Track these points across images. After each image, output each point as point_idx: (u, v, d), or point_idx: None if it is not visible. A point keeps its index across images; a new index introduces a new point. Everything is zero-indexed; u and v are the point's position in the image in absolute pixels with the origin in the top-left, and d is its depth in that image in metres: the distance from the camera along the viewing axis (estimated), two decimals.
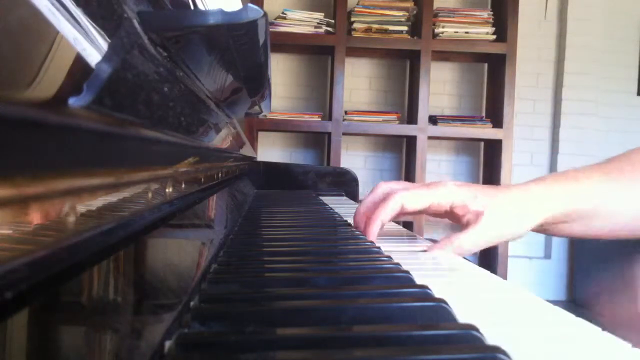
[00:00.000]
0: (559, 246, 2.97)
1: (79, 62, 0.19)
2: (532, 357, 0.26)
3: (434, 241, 0.60)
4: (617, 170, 0.62)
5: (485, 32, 2.68)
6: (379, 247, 0.49)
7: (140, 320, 0.24)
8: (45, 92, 0.15)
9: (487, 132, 2.71)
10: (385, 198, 0.60)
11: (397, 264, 0.41)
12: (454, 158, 3.00)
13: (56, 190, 0.16)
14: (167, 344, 0.24)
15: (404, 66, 2.96)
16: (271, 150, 2.91)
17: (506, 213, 0.57)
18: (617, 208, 0.61)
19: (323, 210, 0.90)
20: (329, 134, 2.65)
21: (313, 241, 0.56)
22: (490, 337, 0.25)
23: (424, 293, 0.33)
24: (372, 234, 0.59)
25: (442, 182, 0.60)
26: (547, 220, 0.59)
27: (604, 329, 0.30)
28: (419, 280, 0.36)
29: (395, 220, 0.64)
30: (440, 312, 0.29)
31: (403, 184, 0.63)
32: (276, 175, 1.50)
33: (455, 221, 0.60)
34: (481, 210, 0.57)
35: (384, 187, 0.64)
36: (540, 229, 0.62)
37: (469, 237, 0.57)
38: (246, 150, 1.06)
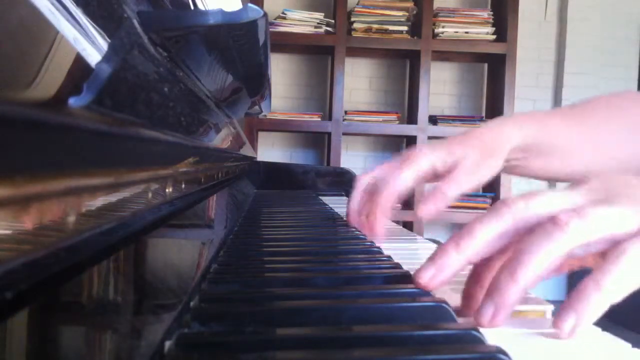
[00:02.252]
0: None
1: (79, 62, 0.19)
2: (531, 356, 0.26)
3: (435, 241, 0.58)
4: (579, 116, 0.62)
5: (485, 32, 2.68)
6: (379, 247, 0.49)
7: (140, 320, 0.24)
8: (45, 92, 0.15)
9: None
10: (375, 191, 0.58)
11: (397, 263, 0.41)
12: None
13: (56, 190, 0.16)
14: (167, 344, 0.24)
15: (404, 66, 2.96)
16: (271, 150, 2.91)
17: (481, 151, 0.57)
18: (574, 150, 0.61)
19: (323, 210, 0.90)
20: (329, 134, 2.65)
21: (313, 241, 0.56)
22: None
23: (424, 293, 0.32)
24: (373, 229, 0.57)
25: (415, 153, 0.57)
26: (510, 155, 0.59)
27: (604, 329, 0.30)
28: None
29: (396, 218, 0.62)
30: (440, 312, 0.29)
31: (386, 168, 0.60)
32: (276, 175, 1.50)
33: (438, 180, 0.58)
34: (460, 158, 0.56)
35: (365, 178, 0.62)
36: (507, 168, 0.61)
37: (456, 179, 0.55)
38: (246, 150, 1.06)
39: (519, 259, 0.29)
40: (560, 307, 0.29)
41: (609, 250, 0.29)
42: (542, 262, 0.29)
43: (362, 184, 0.62)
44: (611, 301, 0.28)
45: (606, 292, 0.28)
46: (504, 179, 2.66)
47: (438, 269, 0.32)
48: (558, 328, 0.28)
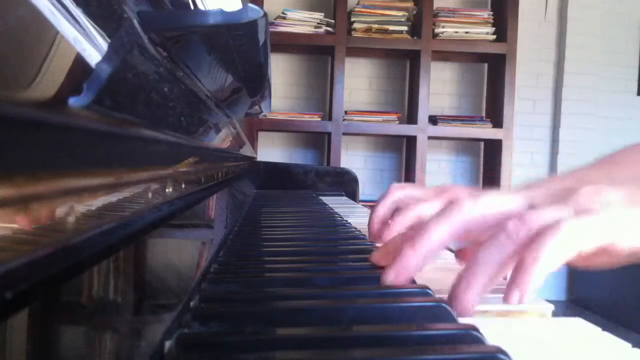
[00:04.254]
0: None
1: (79, 62, 0.19)
2: (531, 356, 0.26)
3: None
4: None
5: (485, 32, 2.69)
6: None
7: (140, 320, 0.24)
8: (45, 92, 0.15)
9: (487, 132, 2.71)
10: (402, 206, 0.51)
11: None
12: (454, 158, 2.99)
13: (56, 190, 0.16)
14: (167, 344, 0.24)
15: (404, 66, 2.96)
16: (271, 150, 2.91)
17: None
18: None
19: (323, 210, 0.90)
20: (329, 134, 2.65)
21: (313, 241, 0.56)
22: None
23: (424, 293, 0.32)
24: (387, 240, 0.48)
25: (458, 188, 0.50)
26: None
27: (604, 329, 0.30)
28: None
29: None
30: (440, 312, 0.29)
31: (420, 190, 0.55)
32: (276, 175, 1.50)
33: None
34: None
35: (399, 192, 0.55)
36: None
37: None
38: (246, 150, 1.06)
39: (420, 233, 0.35)
40: (507, 285, 0.33)
41: (543, 230, 0.33)
42: (492, 268, 0.33)
43: (395, 197, 0.56)
44: (547, 272, 0.32)
45: (542, 265, 0.32)
46: (504, 179, 2.66)
47: (400, 271, 0.36)
48: (508, 303, 0.32)
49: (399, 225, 0.50)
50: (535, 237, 0.32)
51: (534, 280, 0.32)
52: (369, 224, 0.57)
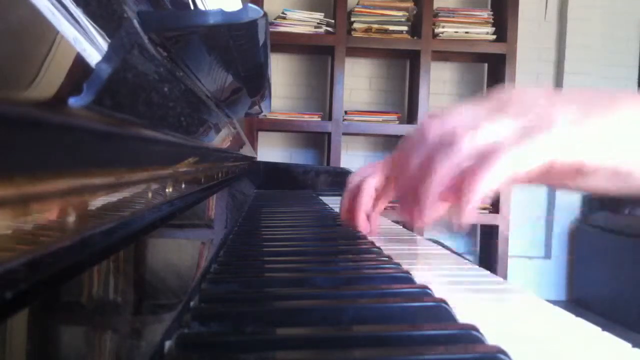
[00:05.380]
0: (559, 246, 2.97)
1: (79, 62, 0.19)
2: (531, 357, 0.26)
3: (435, 242, 0.58)
4: None
5: (485, 32, 2.69)
6: (379, 247, 0.49)
7: (140, 320, 0.24)
8: (45, 92, 0.15)
9: None
10: (357, 189, 0.58)
11: (397, 263, 0.41)
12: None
13: (56, 190, 0.16)
14: (167, 343, 0.24)
15: (404, 66, 2.96)
16: (271, 150, 2.91)
17: None
18: None
19: (323, 210, 0.90)
20: (329, 134, 2.65)
21: (313, 241, 0.56)
22: (493, 339, 0.25)
23: (424, 293, 0.33)
24: (360, 227, 0.59)
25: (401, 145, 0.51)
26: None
27: (604, 329, 0.30)
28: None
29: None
30: (440, 312, 0.29)
31: (370, 167, 0.59)
32: (276, 175, 1.50)
33: None
34: None
35: (355, 177, 0.60)
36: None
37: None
38: (246, 150, 1.06)
39: (429, 176, 0.38)
40: (451, 206, 0.38)
41: (488, 152, 0.36)
42: (445, 174, 0.38)
43: (354, 185, 0.61)
44: (490, 190, 0.36)
45: (486, 183, 0.36)
46: None
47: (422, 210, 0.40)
48: (451, 220, 0.37)
49: (357, 207, 0.58)
50: (483, 158, 0.36)
51: (476, 199, 0.36)
52: (342, 218, 0.63)
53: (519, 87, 0.41)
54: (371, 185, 0.57)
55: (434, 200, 0.38)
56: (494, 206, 2.65)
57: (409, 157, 0.40)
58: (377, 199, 0.58)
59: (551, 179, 0.38)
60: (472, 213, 0.36)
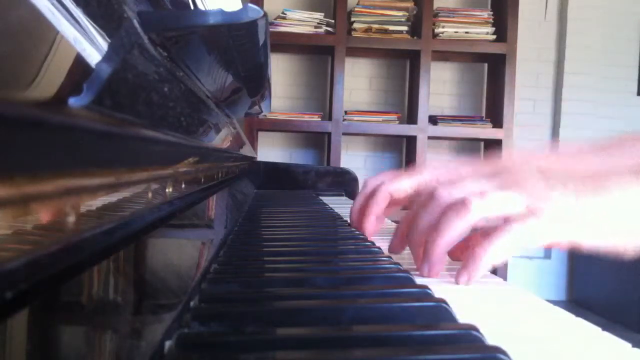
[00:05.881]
0: None
1: (79, 62, 0.19)
2: (531, 357, 0.26)
3: None
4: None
5: (485, 32, 2.69)
6: (379, 247, 0.49)
7: (140, 320, 0.24)
8: (45, 92, 0.15)
9: (487, 132, 2.71)
10: (373, 192, 0.59)
11: (397, 263, 0.41)
12: (454, 158, 2.99)
13: (56, 190, 0.16)
14: (167, 344, 0.24)
15: (404, 66, 2.96)
16: (271, 150, 2.91)
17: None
18: None
19: (323, 210, 0.90)
20: (329, 134, 2.65)
21: (313, 241, 0.56)
22: (494, 339, 0.25)
23: (424, 293, 0.32)
24: (366, 228, 0.59)
25: (426, 166, 0.57)
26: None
27: (604, 329, 0.30)
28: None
29: (393, 215, 0.63)
30: (440, 312, 0.29)
31: (390, 174, 0.60)
32: (276, 175, 1.50)
33: None
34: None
35: (372, 181, 0.62)
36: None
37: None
38: (246, 150, 1.06)
39: (439, 231, 0.42)
40: (459, 270, 0.41)
41: (498, 227, 0.40)
42: (453, 233, 0.42)
43: (369, 188, 0.61)
44: (493, 263, 0.40)
45: (489, 256, 0.40)
46: None
47: (431, 266, 0.43)
48: (457, 282, 0.41)
49: (370, 210, 0.58)
50: (495, 232, 0.40)
51: (480, 268, 0.40)
52: (350, 217, 0.63)
53: (517, 156, 0.47)
54: (388, 190, 0.57)
55: (441, 257, 0.43)
56: None
57: (420, 215, 0.45)
58: (389, 205, 0.59)
59: (551, 247, 0.43)
60: (476, 277, 0.41)
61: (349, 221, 0.68)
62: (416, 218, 0.45)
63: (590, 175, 0.42)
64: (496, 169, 0.46)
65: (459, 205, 0.41)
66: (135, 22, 0.31)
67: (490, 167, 0.47)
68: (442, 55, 2.78)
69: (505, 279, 0.48)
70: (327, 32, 2.63)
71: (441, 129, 2.71)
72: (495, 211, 0.41)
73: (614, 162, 0.44)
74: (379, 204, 0.58)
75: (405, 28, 2.66)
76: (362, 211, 0.61)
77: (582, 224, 0.40)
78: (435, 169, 0.56)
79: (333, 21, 2.63)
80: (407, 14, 2.68)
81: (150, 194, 0.28)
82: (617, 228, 0.40)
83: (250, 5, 0.44)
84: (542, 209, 0.40)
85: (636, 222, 0.40)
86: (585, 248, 0.41)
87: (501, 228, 0.40)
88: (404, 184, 0.57)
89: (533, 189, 0.41)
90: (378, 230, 0.62)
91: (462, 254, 0.50)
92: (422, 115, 2.66)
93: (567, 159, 0.47)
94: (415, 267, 0.45)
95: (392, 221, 0.85)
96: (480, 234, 0.46)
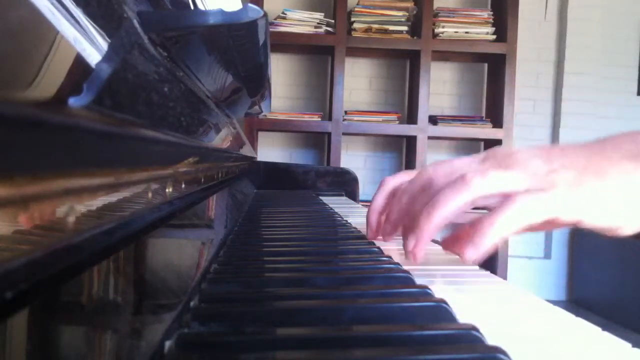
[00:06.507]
0: (559, 246, 2.97)
1: (79, 62, 0.19)
2: (531, 357, 0.26)
3: (435, 241, 0.56)
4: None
5: (485, 32, 2.69)
6: (379, 247, 0.49)
7: (140, 320, 0.24)
8: (45, 92, 0.15)
9: (487, 132, 2.71)
10: (394, 192, 0.55)
11: (397, 263, 0.41)
12: (454, 158, 2.99)
13: (56, 190, 0.16)
14: (167, 344, 0.24)
15: (404, 66, 2.96)
16: (271, 150, 2.91)
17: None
18: None
19: (323, 210, 0.90)
20: (329, 134, 2.65)
21: (313, 241, 0.56)
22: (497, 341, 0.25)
23: (424, 293, 0.32)
24: (388, 229, 0.54)
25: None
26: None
27: (604, 329, 0.30)
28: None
29: None
30: (440, 312, 0.29)
31: (410, 173, 0.57)
32: (276, 175, 1.50)
33: None
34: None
35: (392, 181, 0.58)
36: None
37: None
38: (246, 150, 1.06)
39: (434, 204, 0.41)
40: (464, 243, 0.39)
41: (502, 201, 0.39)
42: (450, 206, 0.40)
43: (389, 186, 0.58)
44: (500, 236, 0.38)
45: (496, 228, 0.38)
46: None
47: (418, 239, 0.42)
48: (463, 258, 0.39)
49: (396, 210, 0.53)
50: (501, 203, 0.39)
51: (487, 241, 0.39)
52: (367, 216, 0.58)
53: (518, 148, 0.46)
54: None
55: (432, 232, 0.41)
56: None
57: (415, 188, 0.44)
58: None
59: (549, 228, 0.42)
60: (484, 251, 0.39)
61: (352, 222, 0.68)
62: (407, 191, 0.44)
63: (589, 159, 0.42)
64: (495, 154, 0.45)
65: (458, 180, 0.41)
66: (135, 22, 0.31)
67: (490, 154, 0.47)
68: (442, 55, 2.78)
69: (505, 279, 0.47)
70: (327, 32, 2.63)
71: (441, 129, 2.71)
72: (495, 189, 0.40)
73: (612, 149, 0.44)
74: (402, 206, 0.52)
75: (405, 28, 2.66)
76: (383, 211, 0.57)
77: (584, 202, 0.40)
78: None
79: (333, 21, 2.63)
80: (407, 14, 2.68)
81: (150, 194, 0.28)
82: (616, 209, 0.40)
83: (250, 5, 0.44)
84: (546, 186, 0.40)
85: (634, 204, 0.41)
86: (584, 226, 0.41)
87: (507, 200, 0.39)
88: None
89: (535, 169, 0.41)
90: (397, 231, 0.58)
91: (455, 244, 0.46)
92: (422, 115, 2.66)
93: (565, 149, 0.47)
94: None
95: None
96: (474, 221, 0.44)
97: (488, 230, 0.39)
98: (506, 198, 0.40)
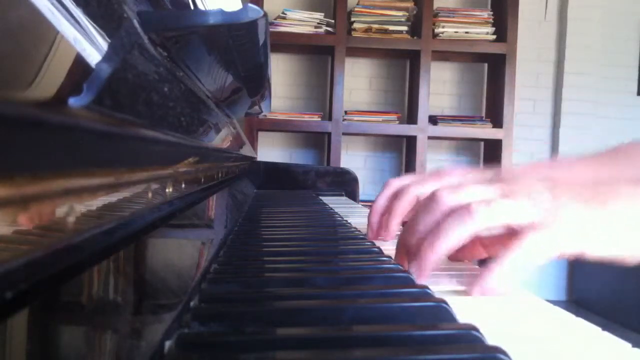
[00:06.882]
0: None
1: (79, 62, 0.19)
2: (531, 357, 0.26)
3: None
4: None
5: (485, 32, 2.69)
6: (379, 248, 0.49)
7: (140, 320, 0.24)
8: (45, 92, 0.15)
9: (487, 132, 2.71)
10: (398, 193, 0.56)
11: (398, 264, 0.41)
12: (454, 158, 3.00)
13: (56, 190, 0.16)
14: (167, 344, 0.24)
15: (404, 66, 2.96)
16: (271, 150, 2.91)
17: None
18: None
19: (323, 210, 0.90)
20: (329, 134, 2.65)
21: (313, 241, 0.56)
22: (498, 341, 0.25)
23: (424, 293, 0.32)
24: (390, 230, 0.57)
25: (450, 170, 0.53)
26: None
27: (604, 329, 0.30)
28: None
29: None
30: (440, 312, 0.29)
31: (415, 176, 0.59)
32: (276, 175, 1.50)
33: None
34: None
35: (396, 182, 0.59)
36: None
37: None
38: (246, 150, 1.06)
39: (438, 235, 0.40)
40: (475, 283, 0.39)
41: (509, 241, 0.39)
42: (454, 239, 0.40)
43: (393, 188, 0.59)
44: (510, 280, 0.38)
45: (506, 271, 0.38)
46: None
47: (422, 270, 0.41)
48: (470, 294, 0.39)
49: (398, 211, 0.55)
50: (510, 245, 0.39)
51: (496, 285, 0.38)
52: (368, 216, 0.60)
53: (521, 168, 0.46)
54: (415, 192, 0.55)
55: (435, 262, 0.41)
56: None
57: (421, 217, 0.43)
58: (414, 209, 0.56)
59: (552, 259, 0.41)
60: (497, 284, 0.39)
61: (352, 223, 0.67)
62: (415, 219, 0.44)
63: (595, 185, 0.42)
64: (502, 177, 0.45)
65: (463, 210, 0.40)
66: (135, 22, 0.31)
67: (497, 176, 0.46)
68: (442, 55, 2.78)
69: None
70: (327, 32, 2.63)
71: (441, 129, 2.71)
72: (499, 221, 0.40)
73: (618, 171, 0.44)
74: (405, 206, 0.56)
75: (405, 28, 2.66)
76: (385, 212, 0.58)
77: (588, 234, 0.39)
78: (460, 174, 0.53)
79: (333, 21, 2.63)
80: (407, 14, 2.68)
81: (150, 194, 0.28)
82: (623, 238, 0.40)
83: (250, 5, 0.44)
84: (551, 220, 0.39)
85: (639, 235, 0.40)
86: (590, 258, 0.40)
87: (516, 241, 0.39)
88: (430, 188, 0.52)
89: (539, 198, 0.40)
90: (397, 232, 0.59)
91: (459, 253, 0.49)
92: (422, 115, 2.66)
93: (571, 167, 0.47)
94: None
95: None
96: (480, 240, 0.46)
97: (497, 273, 0.38)
98: (509, 233, 0.40)
